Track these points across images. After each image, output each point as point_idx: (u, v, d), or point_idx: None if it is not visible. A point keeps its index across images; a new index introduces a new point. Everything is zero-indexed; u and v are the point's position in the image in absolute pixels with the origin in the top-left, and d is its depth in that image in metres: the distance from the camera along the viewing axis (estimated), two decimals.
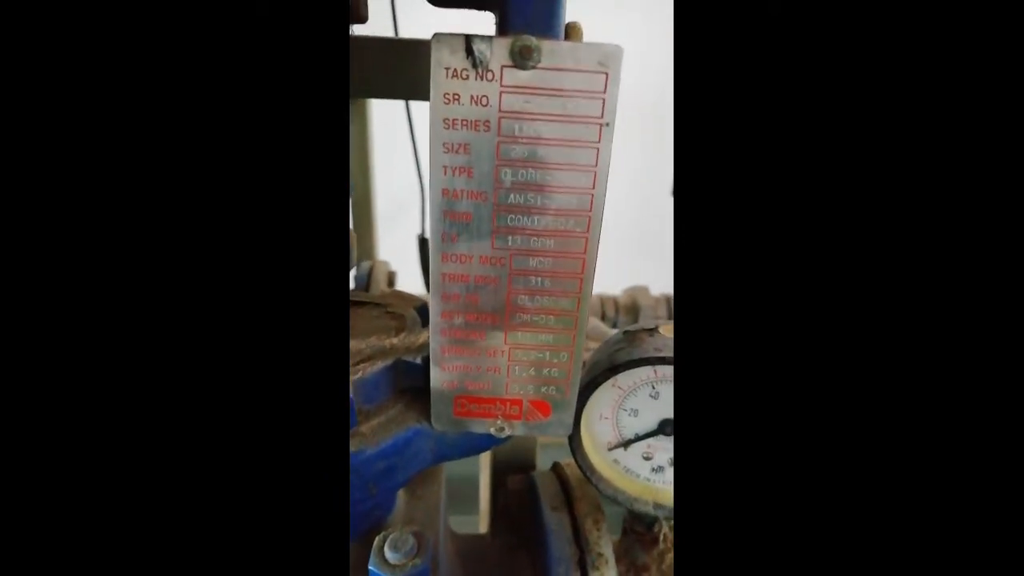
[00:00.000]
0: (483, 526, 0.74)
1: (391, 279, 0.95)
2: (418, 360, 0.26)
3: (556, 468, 0.41)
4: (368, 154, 0.91)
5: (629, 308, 0.91)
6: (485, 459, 0.64)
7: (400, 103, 0.85)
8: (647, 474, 0.33)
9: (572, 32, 0.23)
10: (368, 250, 0.97)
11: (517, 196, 0.21)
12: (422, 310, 0.32)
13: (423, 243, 0.99)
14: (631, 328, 0.33)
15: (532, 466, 0.47)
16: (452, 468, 0.42)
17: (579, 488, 0.37)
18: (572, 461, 0.40)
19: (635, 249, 1.04)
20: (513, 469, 0.46)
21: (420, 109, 0.85)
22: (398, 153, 0.91)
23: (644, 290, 0.95)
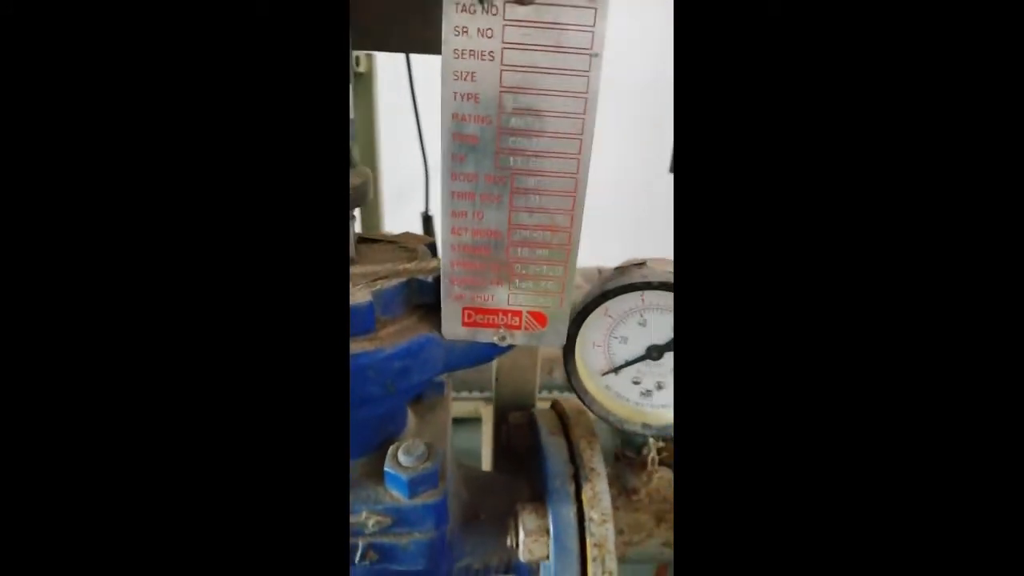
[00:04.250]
0: None
1: None
2: (430, 279, 0.29)
3: (554, 404, 0.44)
4: (374, 136, 0.94)
5: None
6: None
7: (404, 85, 0.88)
8: (636, 398, 0.36)
9: None
10: (375, 228, 1.00)
11: (518, 120, 0.24)
12: (431, 246, 0.36)
13: (427, 220, 1.02)
14: (622, 264, 0.36)
15: (528, 405, 0.50)
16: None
17: (575, 416, 0.40)
18: (568, 397, 0.43)
19: (635, 224, 1.07)
20: (506, 406, 0.49)
21: (422, 72, 0.85)
22: (402, 136, 0.93)
23: None
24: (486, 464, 0.84)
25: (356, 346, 0.26)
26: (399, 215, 1.07)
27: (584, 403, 0.37)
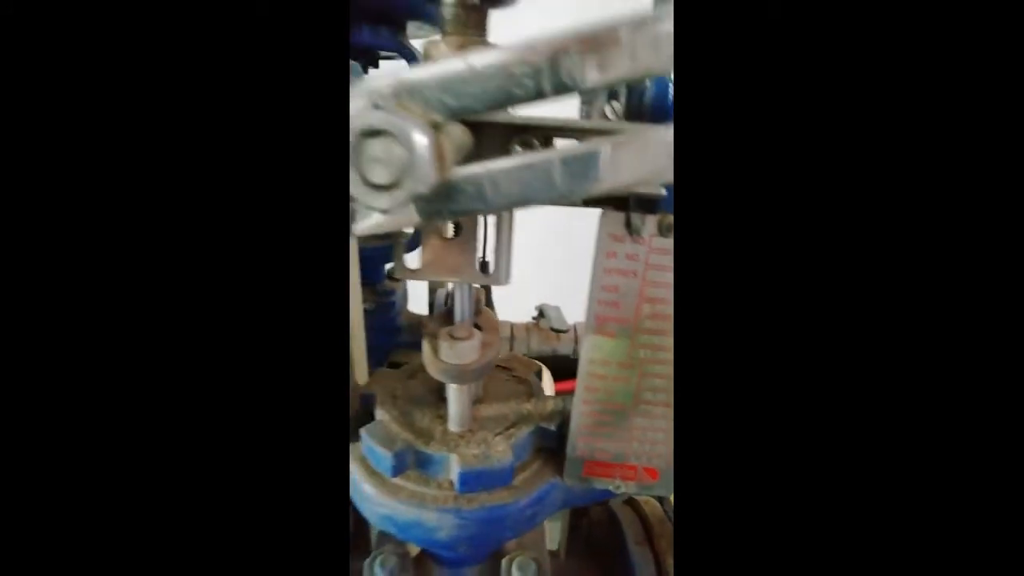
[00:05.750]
0: None
1: None
2: (552, 427, 0.33)
3: (632, 503, 0.48)
4: None
5: None
6: None
7: None
8: None
9: None
10: None
11: (651, 323, 0.28)
12: (538, 373, 0.40)
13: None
14: None
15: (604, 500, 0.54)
16: None
17: (658, 525, 0.43)
18: (647, 501, 0.46)
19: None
20: None
21: None
22: None
23: None
24: None
25: (497, 497, 0.30)
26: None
27: (669, 517, 0.40)
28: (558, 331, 0.57)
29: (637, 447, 0.31)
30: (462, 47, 0.25)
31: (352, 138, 0.14)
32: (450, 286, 0.60)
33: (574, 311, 0.59)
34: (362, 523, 0.51)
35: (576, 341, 0.56)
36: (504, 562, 0.36)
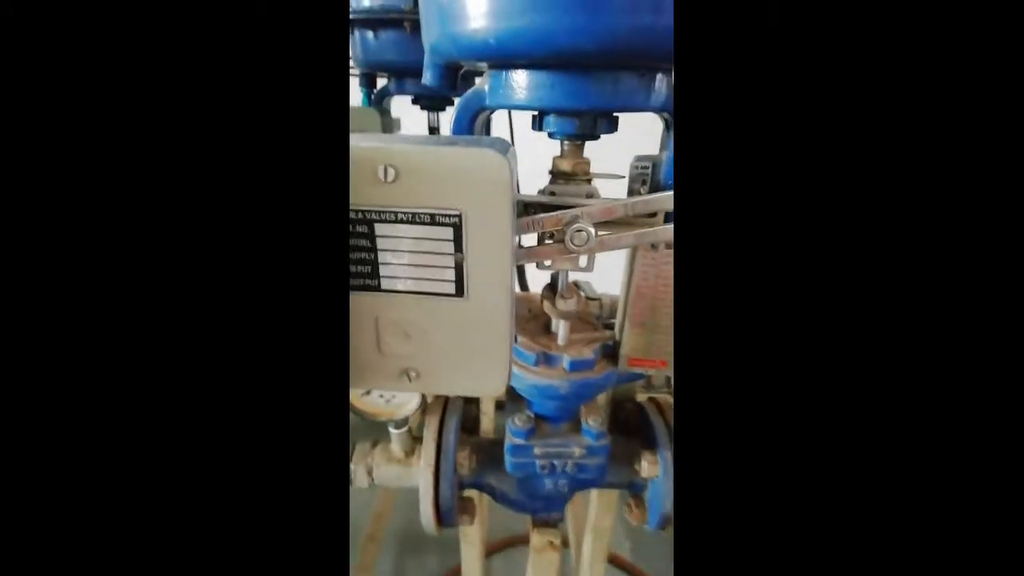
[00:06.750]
0: None
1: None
2: (611, 343, 0.63)
3: (652, 400, 0.78)
4: None
5: None
6: None
7: None
8: None
9: None
10: None
11: (663, 291, 0.57)
12: (597, 318, 0.70)
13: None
14: None
15: (634, 399, 0.84)
16: None
17: (668, 409, 0.74)
18: (661, 396, 0.77)
19: None
20: (622, 399, 0.84)
21: None
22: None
23: None
24: None
25: (588, 374, 0.60)
26: None
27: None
28: (590, 299, 0.87)
29: (656, 349, 0.61)
30: (574, 164, 0.54)
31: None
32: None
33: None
34: (478, 410, 0.83)
35: (602, 308, 0.86)
36: (582, 419, 0.67)
